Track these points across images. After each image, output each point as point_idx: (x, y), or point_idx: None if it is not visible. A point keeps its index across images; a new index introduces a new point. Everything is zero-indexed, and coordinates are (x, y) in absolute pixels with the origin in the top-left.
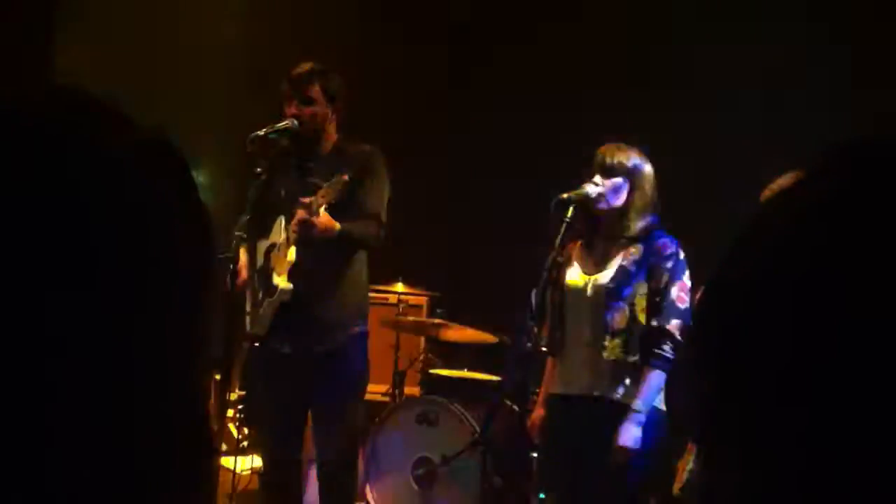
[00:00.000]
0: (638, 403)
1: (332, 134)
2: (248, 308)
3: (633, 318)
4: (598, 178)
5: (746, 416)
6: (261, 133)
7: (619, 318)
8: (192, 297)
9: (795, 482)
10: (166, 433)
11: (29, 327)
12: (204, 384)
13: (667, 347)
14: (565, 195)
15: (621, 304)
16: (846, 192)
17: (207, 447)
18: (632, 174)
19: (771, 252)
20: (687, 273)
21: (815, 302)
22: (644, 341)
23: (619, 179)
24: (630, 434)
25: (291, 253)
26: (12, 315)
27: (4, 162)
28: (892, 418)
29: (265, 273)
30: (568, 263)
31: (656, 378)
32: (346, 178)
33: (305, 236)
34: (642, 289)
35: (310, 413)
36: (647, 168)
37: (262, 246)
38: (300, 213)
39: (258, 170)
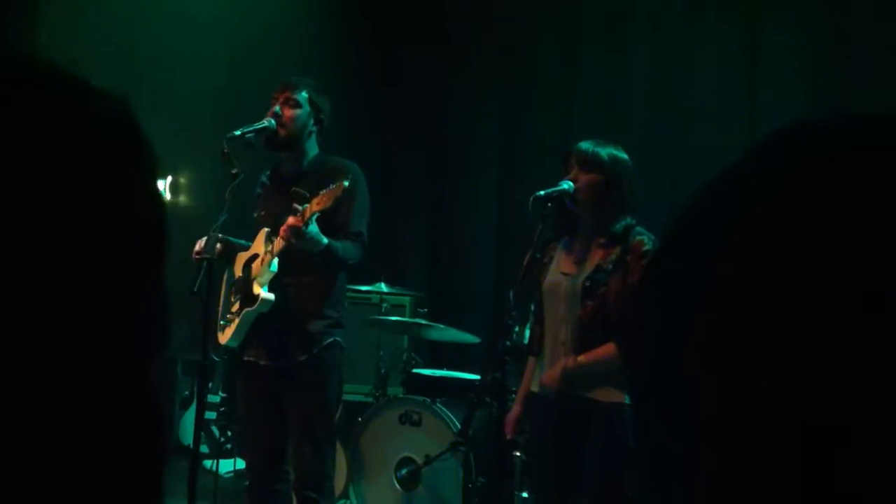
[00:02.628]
0: (583, 357)
1: (312, 148)
2: (220, 321)
3: (610, 316)
4: (575, 174)
5: (727, 409)
6: (237, 133)
7: (595, 317)
8: (144, 272)
9: (780, 478)
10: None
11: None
12: (154, 367)
13: None
14: (543, 192)
15: (598, 302)
16: (829, 180)
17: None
18: (610, 170)
19: (745, 233)
20: None
21: (803, 293)
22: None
23: (597, 175)
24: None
25: (274, 264)
26: None
27: None
28: (888, 417)
29: (245, 283)
30: (549, 263)
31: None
32: (344, 184)
33: (293, 243)
34: (619, 287)
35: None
36: (626, 164)
37: (243, 258)
38: (291, 220)
39: (234, 170)
